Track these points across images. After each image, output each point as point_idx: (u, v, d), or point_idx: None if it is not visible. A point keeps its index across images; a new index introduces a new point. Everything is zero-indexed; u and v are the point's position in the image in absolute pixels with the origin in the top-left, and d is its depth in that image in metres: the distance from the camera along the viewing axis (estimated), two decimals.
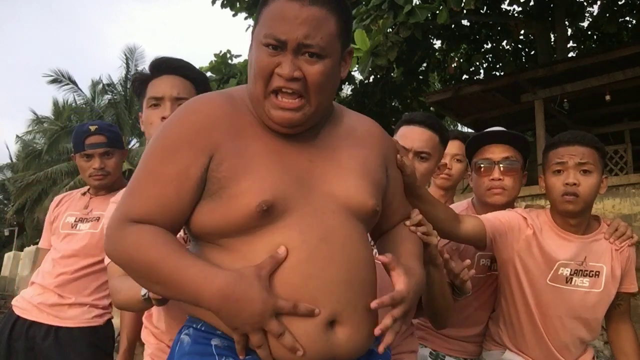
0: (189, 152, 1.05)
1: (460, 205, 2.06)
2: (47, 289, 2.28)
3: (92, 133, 2.35)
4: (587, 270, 1.72)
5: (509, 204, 1.92)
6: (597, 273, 1.72)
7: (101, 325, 2.30)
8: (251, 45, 1.13)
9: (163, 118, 1.59)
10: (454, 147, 2.30)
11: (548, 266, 1.72)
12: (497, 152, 1.89)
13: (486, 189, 1.89)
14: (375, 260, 1.15)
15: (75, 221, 2.38)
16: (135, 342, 2.06)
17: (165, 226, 1.05)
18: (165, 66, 1.69)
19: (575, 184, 1.66)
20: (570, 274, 1.71)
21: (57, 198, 2.59)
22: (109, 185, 2.39)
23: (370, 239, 1.30)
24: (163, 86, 1.65)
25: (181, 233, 1.51)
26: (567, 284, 1.71)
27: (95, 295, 2.30)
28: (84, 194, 2.49)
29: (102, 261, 2.21)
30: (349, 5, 1.14)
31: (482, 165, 1.90)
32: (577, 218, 1.72)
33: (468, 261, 1.50)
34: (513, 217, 1.77)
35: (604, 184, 1.75)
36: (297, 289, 1.01)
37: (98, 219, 2.35)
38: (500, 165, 1.87)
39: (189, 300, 1.01)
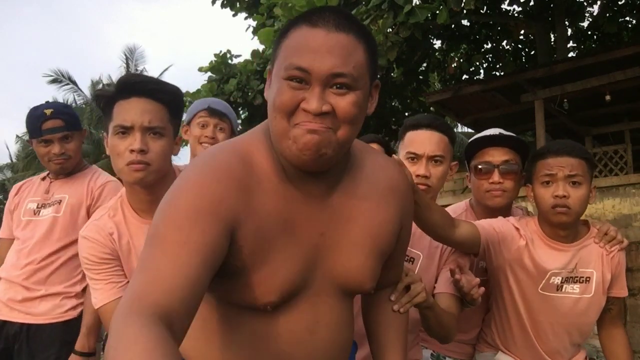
0: (212, 223, 0.90)
1: (458, 207, 2.07)
2: (13, 282, 2.20)
3: (49, 117, 2.23)
4: (577, 277, 1.72)
5: (508, 206, 1.93)
6: (588, 279, 1.72)
7: (75, 318, 2.17)
8: (269, 83, 1.02)
9: (132, 151, 1.45)
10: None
11: (540, 276, 1.73)
12: (496, 155, 1.88)
13: (485, 192, 1.89)
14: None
15: (37, 207, 2.30)
16: (98, 327, 2.04)
17: (183, 309, 0.83)
18: (134, 87, 1.48)
19: (565, 196, 1.65)
20: (561, 282, 1.72)
21: (16, 186, 2.48)
22: (69, 168, 2.32)
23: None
24: (132, 113, 1.46)
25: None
26: (558, 292, 1.72)
27: (66, 282, 2.20)
28: (43, 179, 2.39)
29: (70, 245, 2.19)
30: (373, 36, 1.04)
31: (481, 168, 1.89)
32: (567, 229, 1.73)
33: (477, 280, 1.54)
34: (506, 228, 1.78)
35: (593, 193, 1.75)
36: None
37: (60, 202, 2.27)
38: (500, 168, 1.86)
39: None
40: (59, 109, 2.29)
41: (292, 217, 1.01)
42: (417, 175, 1.71)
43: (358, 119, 0.98)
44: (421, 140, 1.75)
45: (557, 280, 1.72)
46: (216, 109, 2.28)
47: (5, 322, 2.20)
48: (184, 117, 2.31)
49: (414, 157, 1.76)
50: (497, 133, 1.92)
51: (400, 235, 1.18)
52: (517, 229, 1.78)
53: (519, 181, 1.91)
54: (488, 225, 1.76)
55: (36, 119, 2.24)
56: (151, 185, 1.52)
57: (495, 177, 1.85)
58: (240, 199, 0.95)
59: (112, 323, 0.78)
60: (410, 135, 1.79)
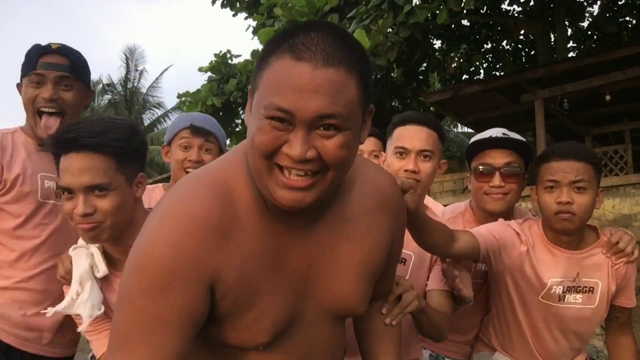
0: (189, 288, 0.84)
1: (458, 207, 2.04)
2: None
3: (52, 51, 1.78)
4: (580, 287, 1.67)
5: (509, 210, 1.87)
6: (592, 289, 1.67)
7: None
8: (249, 106, 0.91)
9: (80, 215, 1.34)
10: (370, 144, 2.39)
11: (540, 284, 1.68)
12: (498, 157, 1.80)
13: (485, 194, 1.82)
14: None
15: (56, 188, 1.84)
16: None
17: None
18: (69, 143, 1.33)
19: (569, 203, 1.58)
20: (562, 292, 1.66)
21: None
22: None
23: None
24: (69, 174, 1.33)
25: None
26: (560, 302, 1.67)
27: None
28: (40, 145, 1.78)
29: None
30: (368, 56, 0.92)
31: (482, 170, 1.82)
32: (571, 236, 1.67)
33: (459, 274, 1.56)
34: (507, 233, 1.71)
35: (600, 198, 1.67)
36: None
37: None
38: (502, 170, 1.78)
39: None
40: (68, 48, 1.84)
41: (277, 252, 0.94)
42: (406, 170, 1.70)
43: (348, 160, 0.89)
44: (410, 135, 1.74)
45: (558, 290, 1.66)
46: (200, 127, 1.98)
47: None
48: (166, 135, 2.12)
49: (403, 152, 1.74)
50: (500, 134, 1.85)
51: (392, 251, 1.12)
52: (518, 234, 1.71)
53: (521, 185, 1.83)
54: (487, 233, 1.69)
55: (35, 52, 1.79)
56: (113, 239, 1.42)
57: (497, 180, 1.78)
58: (219, 248, 0.87)
59: None
60: (399, 131, 1.77)
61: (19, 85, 1.85)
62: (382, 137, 2.58)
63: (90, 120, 1.41)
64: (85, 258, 1.47)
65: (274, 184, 0.86)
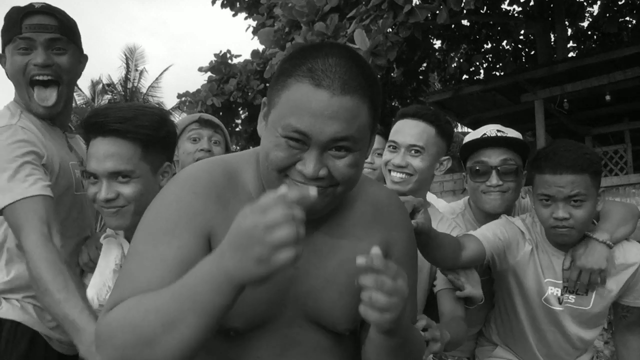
0: (190, 238, 0.93)
1: (457, 207, 2.02)
2: None
3: (36, 11, 1.55)
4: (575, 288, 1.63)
5: (508, 209, 1.82)
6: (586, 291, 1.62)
7: None
8: (262, 117, 0.98)
9: (102, 200, 1.35)
10: (374, 142, 2.36)
11: (543, 286, 1.65)
12: (493, 156, 1.74)
13: (482, 193, 1.78)
14: None
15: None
16: None
17: None
18: (96, 127, 1.35)
19: (565, 219, 1.51)
20: (561, 294, 1.63)
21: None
22: (59, 106, 1.60)
23: None
24: (94, 159, 1.34)
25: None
26: (560, 305, 1.64)
27: None
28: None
29: None
30: (378, 79, 0.98)
31: (478, 169, 1.77)
32: (572, 244, 1.62)
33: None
34: (512, 233, 1.66)
35: (601, 198, 1.60)
36: None
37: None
38: (498, 169, 1.73)
39: (222, 290, 0.79)
40: (54, 7, 1.61)
41: None
42: (394, 165, 1.69)
43: (356, 177, 0.96)
44: (403, 130, 1.72)
45: (556, 292, 1.63)
46: (208, 119, 2.06)
47: None
48: None
49: (394, 147, 1.73)
50: (495, 132, 1.80)
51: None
52: (523, 233, 1.66)
53: (519, 182, 1.78)
54: (492, 235, 1.63)
55: (16, 12, 1.55)
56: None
57: (494, 179, 1.73)
58: (218, 213, 0.95)
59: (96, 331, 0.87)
60: (397, 125, 1.76)
61: (0, 57, 1.62)
62: (386, 135, 2.57)
63: (120, 106, 1.42)
64: (116, 247, 1.49)
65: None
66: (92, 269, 1.51)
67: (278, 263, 0.72)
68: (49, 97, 1.58)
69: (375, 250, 0.82)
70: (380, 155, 2.27)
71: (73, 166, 1.65)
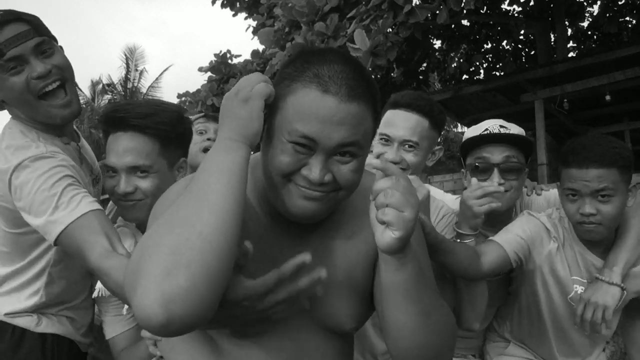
0: None
1: (457, 204, 2.00)
2: None
3: (4, 22, 1.38)
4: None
5: (509, 210, 1.76)
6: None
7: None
8: (269, 131, 0.95)
9: (121, 193, 1.40)
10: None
11: (569, 284, 1.59)
12: (495, 152, 1.66)
13: None
14: None
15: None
16: None
17: None
18: (116, 122, 1.38)
19: (592, 214, 1.46)
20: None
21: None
22: (77, 111, 1.55)
23: None
24: (114, 153, 1.38)
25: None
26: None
27: None
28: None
29: None
30: (376, 84, 0.99)
31: (478, 166, 1.68)
32: (601, 241, 1.55)
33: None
34: (535, 230, 1.59)
35: (633, 193, 1.51)
36: None
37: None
38: (501, 166, 1.66)
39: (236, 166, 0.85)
40: (14, 11, 1.43)
41: (272, 249, 0.99)
42: (387, 160, 1.65)
43: (358, 181, 0.97)
44: (395, 122, 1.67)
45: (581, 290, 1.57)
46: (213, 114, 2.20)
47: None
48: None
49: (387, 140, 1.69)
50: (497, 127, 1.72)
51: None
52: (548, 229, 1.60)
53: (522, 180, 1.71)
54: (513, 236, 1.56)
55: None
56: None
57: (496, 177, 1.64)
58: None
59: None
60: (388, 115, 1.70)
61: None
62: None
63: (140, 102, 1.47)
64: (130, 237, 1.53)
65: (288, 195, 0.93)
66: None
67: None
68: (63, 99, 1.50)
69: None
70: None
71: (87, 184, 1.62)
